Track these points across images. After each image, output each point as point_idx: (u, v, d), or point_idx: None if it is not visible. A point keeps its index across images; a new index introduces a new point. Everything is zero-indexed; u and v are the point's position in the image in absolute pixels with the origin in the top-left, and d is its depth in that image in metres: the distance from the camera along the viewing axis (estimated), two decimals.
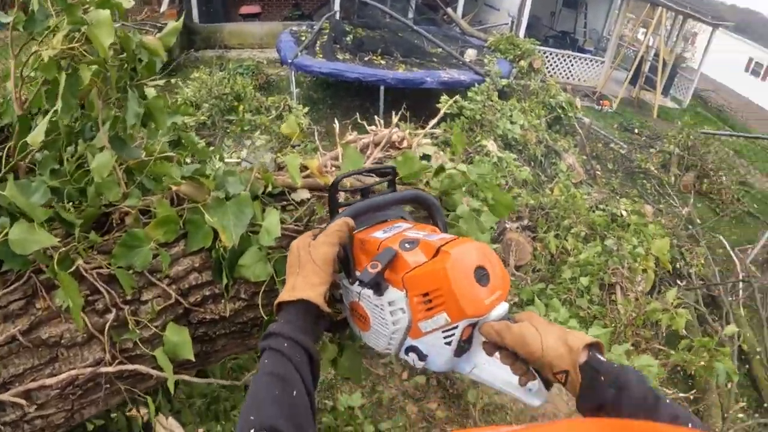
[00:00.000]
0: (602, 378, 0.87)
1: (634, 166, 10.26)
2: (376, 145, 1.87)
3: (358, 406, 3.79)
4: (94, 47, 1.03)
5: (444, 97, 7.83)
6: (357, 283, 1.03)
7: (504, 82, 9.31)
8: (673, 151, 10.52)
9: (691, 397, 5.39)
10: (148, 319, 1.19)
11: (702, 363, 4.07)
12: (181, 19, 1.38)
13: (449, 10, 14.03)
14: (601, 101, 13.37)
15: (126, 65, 1.20)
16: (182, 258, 1.25)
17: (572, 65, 14.20)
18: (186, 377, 1.31)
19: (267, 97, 7.99)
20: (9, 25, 1.11)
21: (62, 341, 1.17)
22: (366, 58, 9.73)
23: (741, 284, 7.40)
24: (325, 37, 10.35)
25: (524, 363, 0.95)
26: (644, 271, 5.43)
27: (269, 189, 1.37)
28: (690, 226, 8.28)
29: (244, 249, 1.22)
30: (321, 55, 9.48)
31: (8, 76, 1.17)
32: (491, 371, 1.02)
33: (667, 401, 0.86)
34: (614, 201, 7.08)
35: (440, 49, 10.25)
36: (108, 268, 1.18)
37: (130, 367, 1.18)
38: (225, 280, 1.21)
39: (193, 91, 7.25)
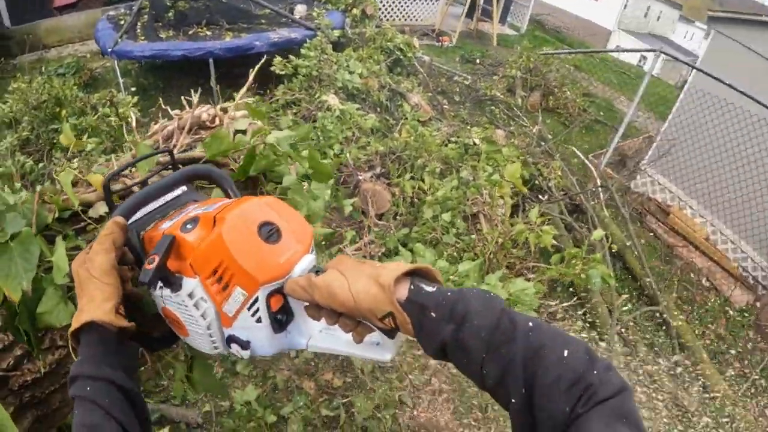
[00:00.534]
0: (432, 314, 0.77)
1: (480, 95, 10.67)
2: (182, 129, 1.83)
3: (254, 399, 3.72)
4: None
5: (276, 59, 7.73)
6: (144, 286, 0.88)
7: (337, 33, 9.28)
8: (515, 75, 11.07)
9: (576, 303, 5.87)
10: None
11: (577, 272, 4.38)
12: None
13: None
14: (440, 38, 13.71)
15: None
16: None
17: (408, 6, 14.40)
18: None
19: (93, 93, 7.48)
20: None
21: None
22: (191, 32, 9.33)
23: (600, 188, 8.02)
24: (146, 16, 9.77)
25: (348, 317, 0.84)
26: (501, 197, 5.71)
27: (57, 214, 1.29)
28: (542, 143, 8.80)
29: (40, 294, 1.13)
30: (143, 38, 8.97)
31: None
32: (327, 337, 0.92)
33: (532, 324, 0.74)
34: (465, 132, 7.35)
35: (267, 10, 10.01)
36: None
37: None
38: (25, 337, 1.13)
39: (11, 105, 6.63)
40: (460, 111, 10.03)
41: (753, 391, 6.04)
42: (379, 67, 8.84)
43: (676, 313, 6.61)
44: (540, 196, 7.26)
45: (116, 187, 1.34)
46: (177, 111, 2.05)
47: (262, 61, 2.52)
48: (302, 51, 8.03)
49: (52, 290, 1.14)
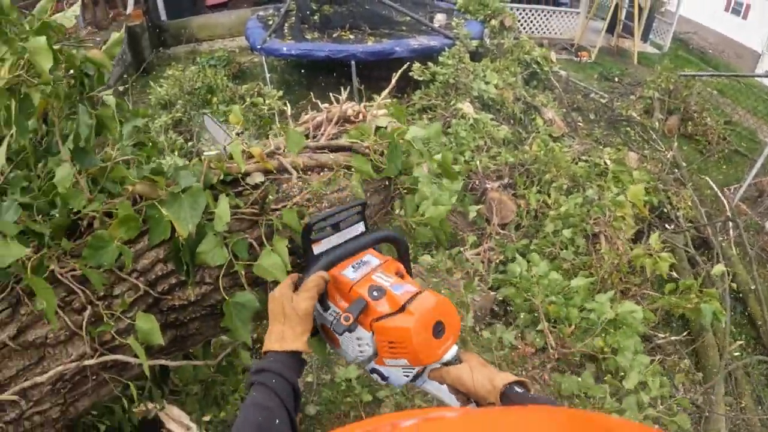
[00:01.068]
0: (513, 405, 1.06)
1: (616, 114, 10.23)
2: (330, 121, 1.95)
3: (355, 378, 3.95)
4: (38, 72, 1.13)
5: (416, 65, 7.88)
6: (331, 325, 1.20)
7: (475, 43, 9.31)
8: (654, 96, 10.48)
9: (685, 339, 5.50)
10: (120, 311, 1.30)
11: (689, 305, 4.15)
12: (122, 31, 1.46)
13: None
14: (579, 53, 13.33)
15: (75, 81, 1.30)
16: (147, 251, 1.36)
17: (548, 19, 14.11)
18: (162, 361, 1.43)
19: (241, 85, 8.02)
20: None
21: (48, 341, 1.29)
22: (334, 35, 9.73)
23: (730, 223, 7.41)
24: (293, 18, 10.31)
25: (464, 394, 1.16)
26: (623, 218, 5.50)
27: (222, 177, 1.47)
28: (676, 170, 8.33)
29: (202, 237, 1.32)
30: (290, 37, 9.47)
31: None
32: (438, 387, 1.20)
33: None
34: (597, 151, 7.12)
35: (409, 18, 10.23)
36: (81, 269, 1.29)
37: (110, 357, 1.31)
38: (184, 268, 1.31)
39: (166, 89, 7.29)
40: (593, 130, 9.69)
41: None
42: (515, 79, 8.76)
43: None
44: (666, 225, 6.86)
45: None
46: (326, 105, 2.16)
47: (405, 67, 2.60)
48: (440, 59, 8.13)
49: (212, 235, 1.34)
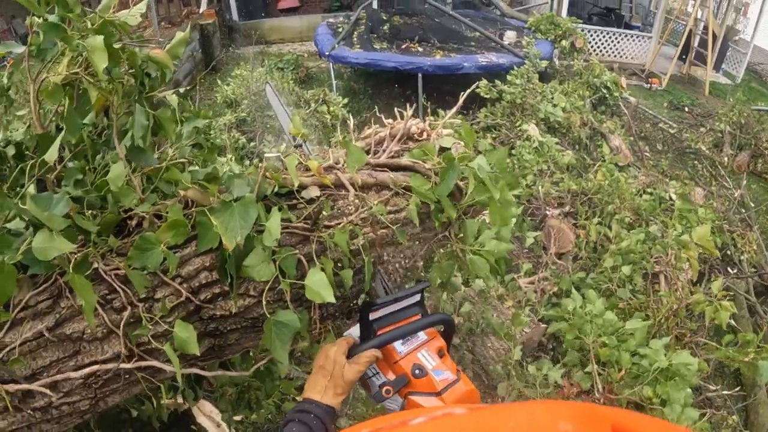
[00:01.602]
0: None
1: (685, 146, 9.83)
2: (393, 137, 1.89)
3: None
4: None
5: (482, 82, 7.77)
6: (368, 379, 1.33)
7: (544, 63, 9.13)
8: (724, 129, 10.03)
9: (737, 394, 5.20)
10: (159, 316, 1.27)
11: (745, 360, 3.92)
12: (187, 30, 1.44)
13: None
14: (650, 79, 12.88)
15: (135, 80, 1.28)
16: (194, 258, 1.33)
17: (619, 43, 13.71)
18: (196, 370, 1.39)
19: (307, 90, 8.09)
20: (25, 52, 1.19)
21: (84, 336, 1.28)
22: (403, 46, 9.71)
23: None
24: (362, 27, 10.36)
25: None
26: (687, 260, 5.23)
27: (277, 189, 1.43)
28: (743, 210, 7.94)
29: (250, 249, 1.28)
30: (358, 46, 9.51)
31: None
32: None
33: None
34: (663, 184, 6.84)
35: (478, 33, 10.13)
36: (125, 270, 1.27)
37: (144, 363, 1.27)
38: (228, 279, 1.27)
39: (233, 88, 7.42)
40: (660, 161, 9.32)
41: None
42: (583, 103, 8.53)
43: None
44: (729, 268, 6.51)
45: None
46: (389, 120, 2.11)
47: (474, 87, 2.52)
48: (508, 77, 8.00)
49: (260, 249, 1.29)
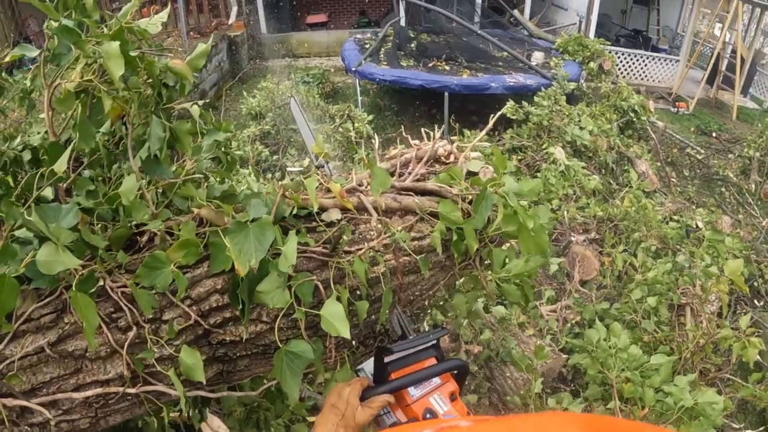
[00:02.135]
0: None
1: (712, 172, 9.65)
2: (419, 160, 1.82)
3: None
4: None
5: (509, 103, 7.69)
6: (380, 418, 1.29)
7: (572, 85, 9.04)
8: (753, 156, 9.85)
9: None
10: (166, 338, 1.21)
11: None
12: (209, 42, 1.39)
13: (516, 12, 13.79)
14: (677, 103, 12.70)
15: (152, 90, 1.23)
16: (205, 279, 1.27)
17: (646, 65, 13.56)
18: (201, 393, 1.34)
19: (333, 105, 8.09)
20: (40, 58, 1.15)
21: (87, 354, 1.22)
22: (430, 65, 9.69)
23: None
24: (389, 44, 10.37)
25: None
26: (716, 294, 5.07)
27: (296, 211, 1.36)
28: None
29: (264, 274, 1.22)
30: (385, 63, 9.51)
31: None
32: None
33: None
34: (690, 212, 6.69)
35: (506, 53, 10.08)
36: (131, 288, 1.21)
37: (148, 388, 1.22)
38: (240, 305, 1.20)
39: (258, 101, 7.44)
40: (687, 187, 9.15)
41: None
42: (611, 126, 8.41)
43: None
44: (756, 301, 6.32)
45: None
46: (416, 141, 2.04)
47: (503, 110, 2.45)
48: (535, 98, 7.92)
49: (275, 275, 1.22)
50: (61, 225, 1.17)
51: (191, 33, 11.47)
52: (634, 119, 9.27)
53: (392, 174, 1.64)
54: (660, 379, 3.55)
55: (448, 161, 1.85)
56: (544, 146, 7.12)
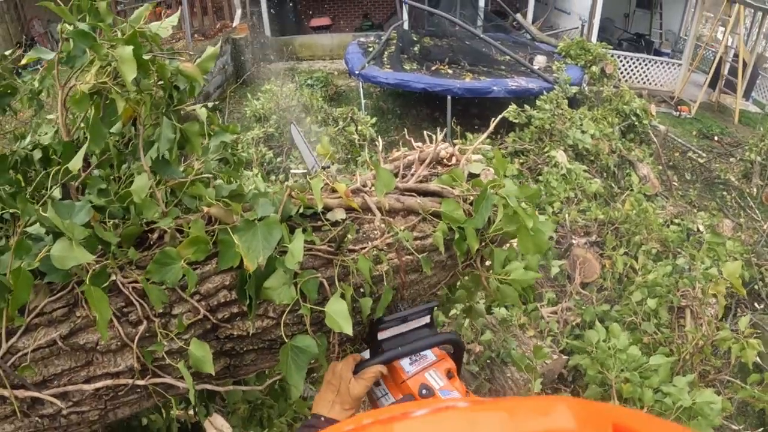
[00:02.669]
0: None
1: (714, 176, 9.69)
2: (422, 162, 1.86)
3: None
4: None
5: (511, 106, 7.73)
6: (377, 399, 1.33)
7: (574, 89, 9.07)
8: (754, 160, 9.86)
9: None
10: (175, 332, 1.24)
11: None
12: (218, 45, 1.43)
13: (518, 16, 13.83)
14: (679, 107, 12.70)
15: (164, 92, 1.27)
16: (214, 275, 1.30)
17: (648, 69, 13.56)
18: (210, 386, 1.37)
19: (336, 108, 8.13)
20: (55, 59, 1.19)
21: (98, 347, 1.25)
22: (433, 68, 9.73)
23: None
24: (393, 47, 10.42)
25: None
26: (714, 296, 5.10)
27: (302, 210, 1.40)
28: None
29: (271, 271, 1.25)
30: (388, 66, 9.55)
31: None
32: None
33: None
34: (691, 215, 6.71)
35: (508, 57, 10.12)
36: (142, 284, 1.24)
37: (157, 380, 1.25)
38: (247, 300, 1.24)
39: (263, 103, 7.48)
40: (688, 191, 9.17)
41: None
42: (612, 130, 8.44)
43: None
44: (756, 304, 6.34)
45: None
46: (419, 143, 2.08)
47: (504, 113, 2.48)
48: (538, 102, 7.96)
49: (282, 272, 1.26)
50: (74, 222, 1.20)
51: (195, 35, 11.53)
52: (636, 123, 9.31)
53: (395, 175, 1.68)
54: (659, 380, 3.58)
55: (450, 163, 1.88)
56: (546, 150, 7.16)
